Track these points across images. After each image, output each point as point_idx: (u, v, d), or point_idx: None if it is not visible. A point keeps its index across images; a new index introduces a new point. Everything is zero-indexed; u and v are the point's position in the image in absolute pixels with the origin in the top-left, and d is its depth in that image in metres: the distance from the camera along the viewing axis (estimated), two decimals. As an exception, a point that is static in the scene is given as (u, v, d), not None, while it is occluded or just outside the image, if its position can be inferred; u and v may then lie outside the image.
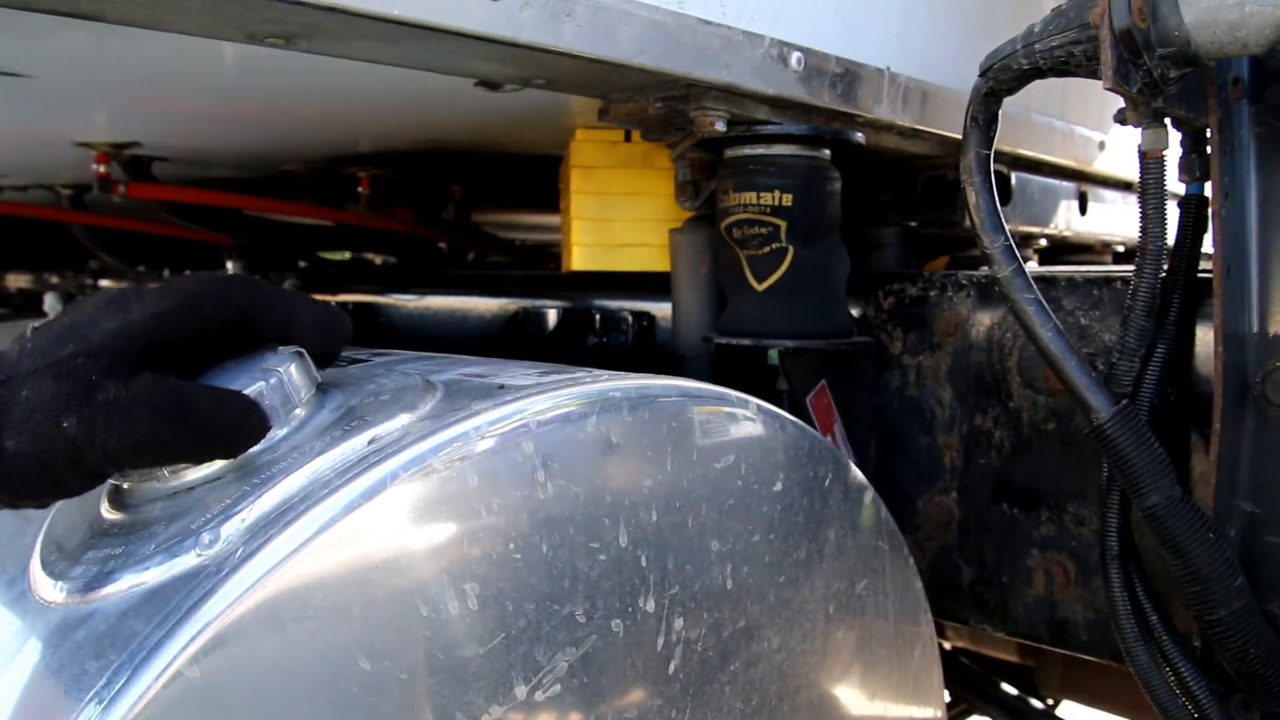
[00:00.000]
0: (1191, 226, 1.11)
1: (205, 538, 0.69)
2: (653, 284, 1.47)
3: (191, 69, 1.19)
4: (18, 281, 3.44)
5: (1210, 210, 1.06)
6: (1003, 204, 1.36)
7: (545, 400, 0.79)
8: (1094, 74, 0.97)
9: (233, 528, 0.69)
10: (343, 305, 1.93)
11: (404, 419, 0.77)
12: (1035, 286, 1.04)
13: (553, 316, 1.58)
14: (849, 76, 1.17)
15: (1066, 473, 1.19)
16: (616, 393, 0.83)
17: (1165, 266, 1.08)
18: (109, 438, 0.69)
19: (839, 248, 1.24)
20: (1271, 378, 1.02)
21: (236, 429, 0.75)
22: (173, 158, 1.75)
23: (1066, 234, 1.55)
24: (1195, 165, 1.10)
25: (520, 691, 0.75)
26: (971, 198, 1.06)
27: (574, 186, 1.41)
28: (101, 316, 0.74)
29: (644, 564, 0.83)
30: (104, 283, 3.17)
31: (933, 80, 1.28)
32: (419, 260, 2.05)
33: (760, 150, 1.20)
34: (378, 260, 2.18)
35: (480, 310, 1.75)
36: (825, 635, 0.99)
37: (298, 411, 0.78)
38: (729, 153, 1.23)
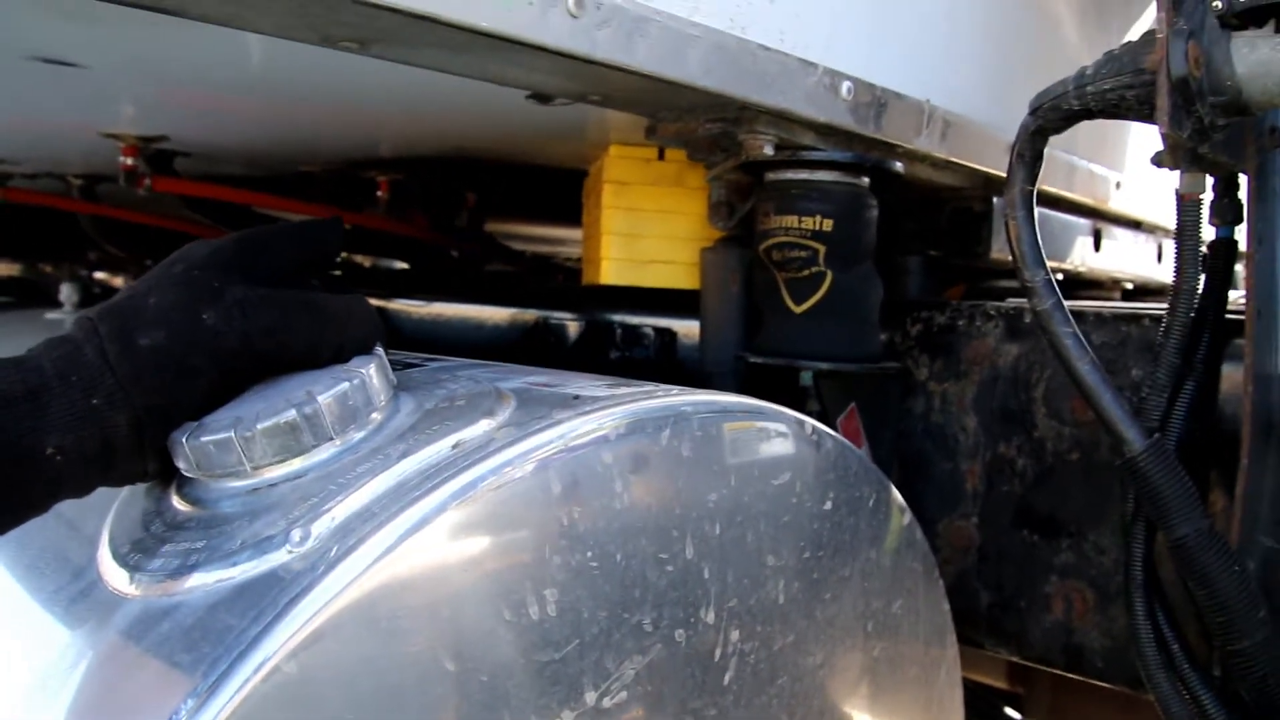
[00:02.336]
0: (1221, 269, 1.13)
1: (296, 534, 0.68)
2: (673, 301, 1.48)
3: (227, 65, 1.18)
4: (9, 270, 3.39)
5: (1244, 254, 1.08)
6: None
7: (623, 412, 0.79)
8: (1144, 118, 0.99)
9: (323, 526, 0.69)
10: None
11: (485, 425, 0.77)
12: (1073, 321, 1.06)
13: (573, 329, 1.59)
14: (893, 107, 1.19)
15: (1088, 502, 1.21)
16: (689, 407, 0.84)
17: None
18: (247, 324, 0.75)
19: (873, 274, 1.26)
20: (1297, 418, 1.04)
21: (360, 327, 0.81)
22: (195, 153, 1.74)
23: (1081, 270, 1.58)
24: (1227, 210, 1.13)
25: (590, 698, 0.75)
26: (1014, 231, 1.08)
27: (606, 201, 1.42)
28: (192, 248, 0.80)
29: (706, 576, 0.83)
30: (99, 275, 3.14)
31: (966, 114, 1.30)
32: (432, 267, 2.04)
33: (804, 175, 1.21)
34: (393, 264, 2.17)
35: (497, 319, 1.75)
36: (861, 652, 1.00)
37: (374, 415, 0.78)
38: (770, 176, 1.24)
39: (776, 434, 0.90)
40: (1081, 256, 1.57)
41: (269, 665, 0.61)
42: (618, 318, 1.56)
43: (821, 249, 1.21)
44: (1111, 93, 1.00)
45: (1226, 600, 1.00)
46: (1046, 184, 1.46)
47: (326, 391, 0.75)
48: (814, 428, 0.95)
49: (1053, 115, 1.05)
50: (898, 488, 1.26)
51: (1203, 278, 1.12)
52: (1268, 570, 1.07)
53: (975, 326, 1.28)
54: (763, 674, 0.88)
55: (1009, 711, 1.86)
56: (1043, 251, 1.08)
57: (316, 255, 0.88)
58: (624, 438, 0.78)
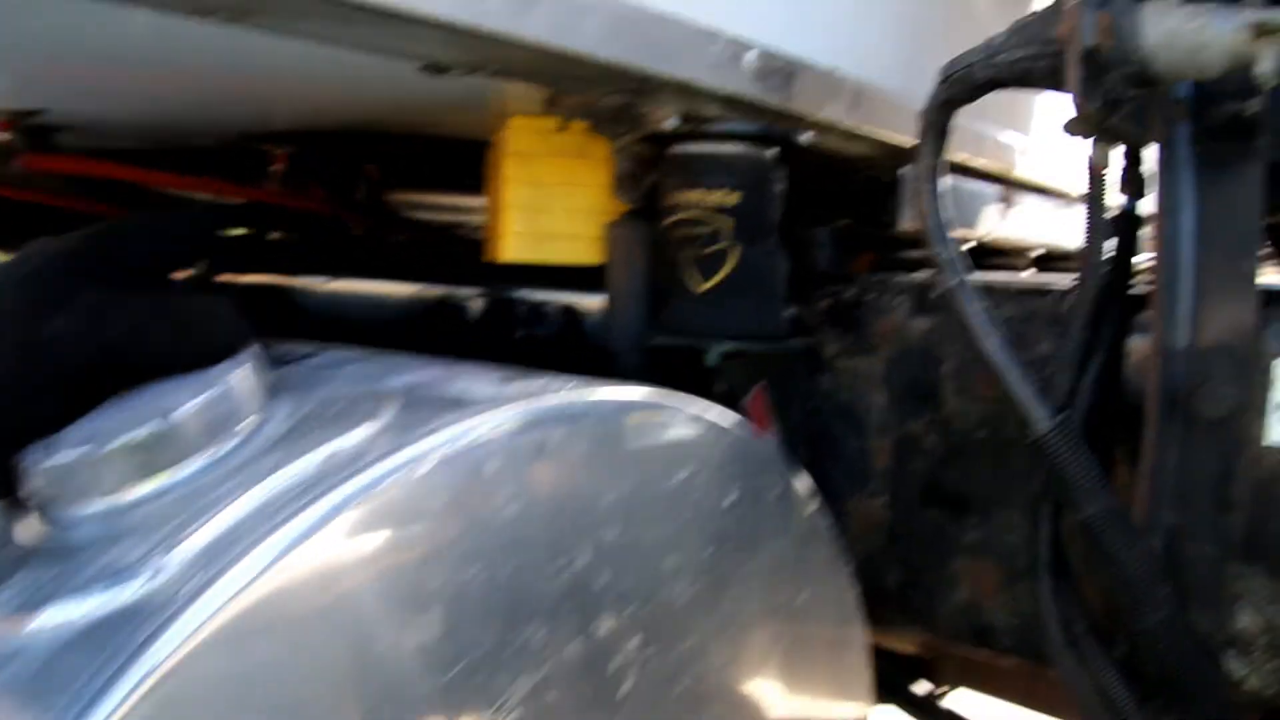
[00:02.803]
0: (1127, 241, 1.12)
1: (146, 571, 0.63)
2: (579, 275, 1.43)
3: (107, 36, 1.10)
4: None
5: (1149, 227, 1.07)
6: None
7: (504, 415, 0.75)
8: (1053, 86, 0.97)
9: (182, 554, 0.63)
10: (251, 287, 1.83)
11: (361, 433, 0.72)
12: (981, 298, 1.03)
13: (476, 306, 1.53)
14: (801, 76, 1.15)
15: (996, 480, 1.20)
16: (580, 405, 0.80)
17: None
18: (100, 334, 0.69)
19: (779, 248, 1.22)
20: (1199, 393, 1.04)
21: (223, 330, 0.75)
22: (78, 127, 1.63)
23: (991, 237, 1.57)
24: (1133, 181, 1.11)
25: (485, 716, 0.72)
26: (923, 206, 1.05)
27: (508, 174, 1.35)
28: (41, 246, 0.74)
29: (601, 583, 0.79)
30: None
31: (877, 82, 1.26)
32: (331, 242, 1.96)
33: (709, 148, 1.17)
34: (281, 239, 2.08)
35: (398, 297, 1.68)
36: (768, 643, 0.98)
37: (243, 425, 0.72)
38: (674, 149, 1.19)
39: (674, 428, 0.86)
40: (991, 224, 1.55)
41: (118, 715, 0.56)
42: (522, 294, 1.51)
43: (727, 223, 1.16)
44: (1021, 63, 0.97)
45: (1131, 579, 1.00)
46: (955, 150, 1.44)
47: (186, 403, 0.69)
48: (716, 418, 0.91)
49: (961, 85, 1.02)
50: (806, 466, 1.24)
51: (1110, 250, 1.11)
52: (1172, 545, 1.07)
53: (883, 301, 1.25)
54: (664, 678, 0.85)
55: (921, 683, 1.88)
56: (952, 226, 1.05)
57: (184, 250, 0.82)
58: (508, 442, 0.73)
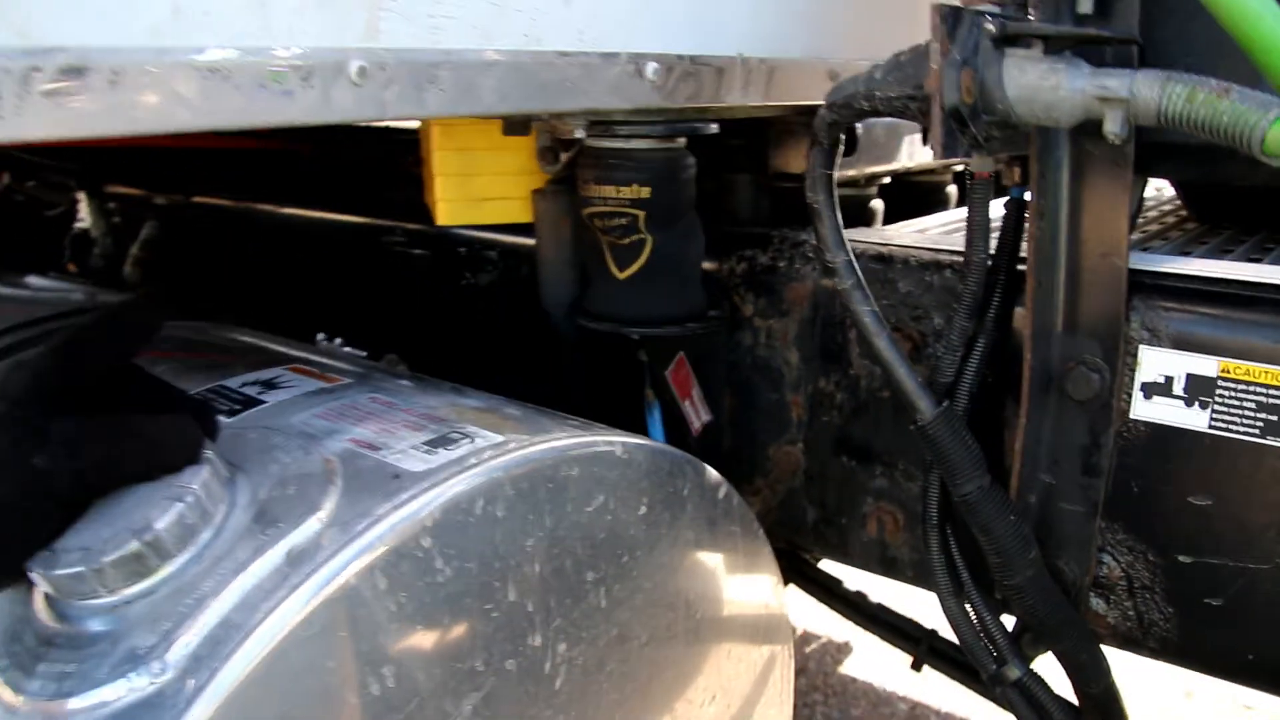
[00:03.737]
0: (1012, 226, 1.31)
1: (155, 666, 0.85)
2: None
3: None
4: None
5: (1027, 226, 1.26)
6: (849, 154, 1.54)
7: (437, 492, 0.96)
8: (926, 126, 1.13)
9: (178, 653, 0.86)
10: (198, 208, 1.98)
11: (313, 525, 0.93)
12: (871, 299, 1.23)
13: (418, 253, 1.71)
14: (704, 72, 1.29)
15: (898, 436, 1.43)
16: (500, 471, 1.01)
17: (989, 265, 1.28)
18: (78, 463, 0.87)
19: (694, 225, 1.40)
20: (1070, 374, 1.25)
21: (183, 446, 0.93)
22: None
23: (911, 165, 1.73)
24: (1016, 173, 1.29)
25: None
26: (816, 215, 1.23)
27: (435, 144, 1.50)
28: (10, 377, 0.90)
29: (530, 609, 1.03)
30: None
31: (782, 55, 1.40)
32: (283, 168, 2.08)
33: (619, 144, 1.32)
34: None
35: (345, 227, 1.85)
36: (690, 615, 1.23)
37: (212, 524, 0.94)
38: (588, 143, 1.35)
39: (589, 466, 1.08)
40: (910, 154, 1.71)
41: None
42: (463, 240, 1.68)
43: (641, 215, 1.34)
44: (896, 99, 1.13)
45: (1002, 545, 1.24)
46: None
47: (163, 516, 0.90)
48: (624, 445, 1.13)
49: (845, 112, 1.18)
50: (732, 414, 1.47)
51: (994, 240, 1.30)
52: (1048, 501, 1.31)
53: (795, 269, 1.44)
54: (591, 668, 1.10)
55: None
56: (843, 233, 1.24)
57: (138, 345, 1.00)
58: (440, 521, 0.95)
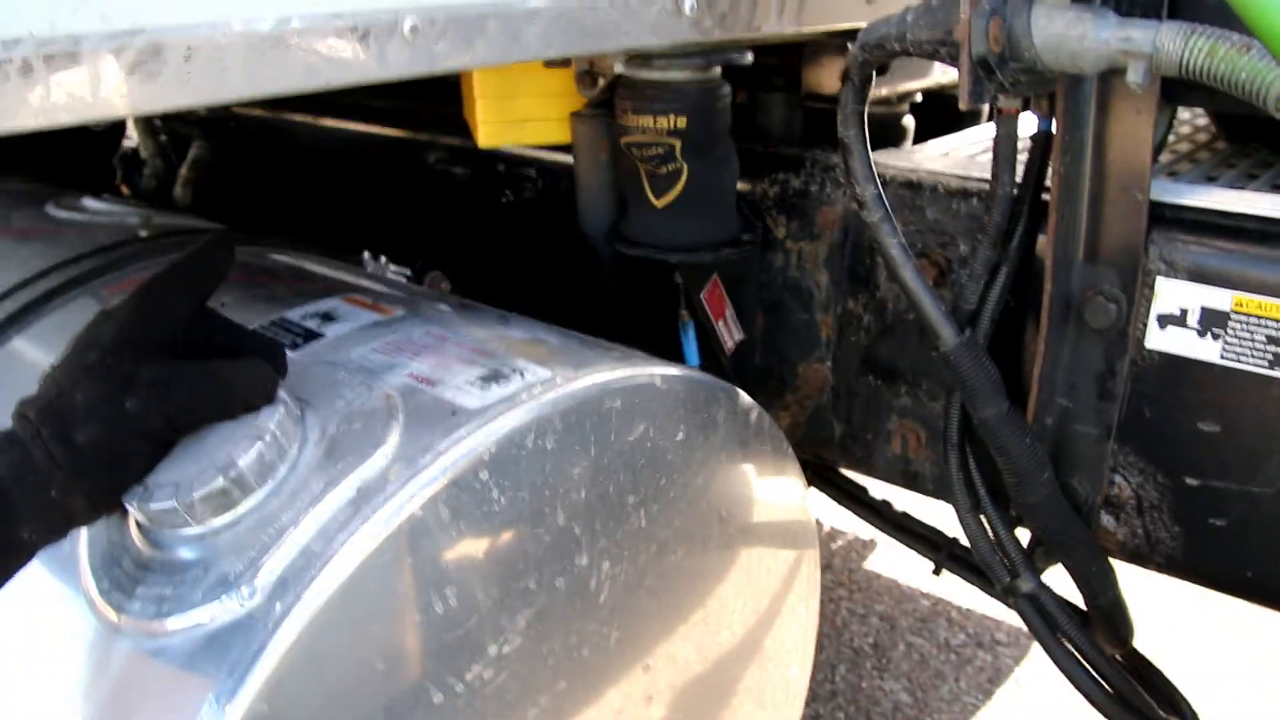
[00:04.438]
0: (1039, 158, 1.37)
1: (245, 590, 0.97)
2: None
3: None
4: None
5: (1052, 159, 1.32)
6: (881, 74, 1.59)
7: (493, 428, 1.06)
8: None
9: (264, 579, 0.97)
10: (242, 121, 2.05)
11: (379, 460, 1.03)
12: (899, 231, 1.30)
13: (459, 172, 1.78)
14: (740, 4, 1.34)
15: (922, 356, 1.51)
16: (549, 406, 1.11)
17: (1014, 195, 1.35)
18: (166, 406, 0.97)
19: (729, 151, 1.46)
20: (1089, 303, 1.33)
21: (260, 387, 1.03)
22: None
23: (944, 80, 1.77)
24: (1045, 105, 1.34)
25: (491, 650, 1.08)
26: (846, 148, 1.29)
27: (475, 66, 1.56)
28: (100, 328, 0.99)
29: (577, 532, 1.14)
30: None
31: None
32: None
33: (656, 75, 1.38)
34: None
35: (384, 138, 1.92)
36: (724, 529, 1.34)
37: (288, 458, 1.04)
38: (625, 73, 1.41)
39: (630, 398, 1.17)
40: (944, 69, 1.75)
41: (245, 706, 0.92)
42: (502, 157, 1.75)
43: (677, 144, 1.40)
44: (927, 44, 1.18)
45: (1019, 466, 1.34)
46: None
47: (245, 454, 1.00)
48: (663, 377, 1.22)
49: (878, 52, 1.23)
50: (764, 333, 1.56)
51: (1020, 169, 1.36)
52: (1064, 423, 1.41)
53: (826, 193, 1.51)
54: (632, 582, 1.22)
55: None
56: (873, 166, 1.30)
57: (211, 288, 1.09)
58: (496, 454, 1.05)
